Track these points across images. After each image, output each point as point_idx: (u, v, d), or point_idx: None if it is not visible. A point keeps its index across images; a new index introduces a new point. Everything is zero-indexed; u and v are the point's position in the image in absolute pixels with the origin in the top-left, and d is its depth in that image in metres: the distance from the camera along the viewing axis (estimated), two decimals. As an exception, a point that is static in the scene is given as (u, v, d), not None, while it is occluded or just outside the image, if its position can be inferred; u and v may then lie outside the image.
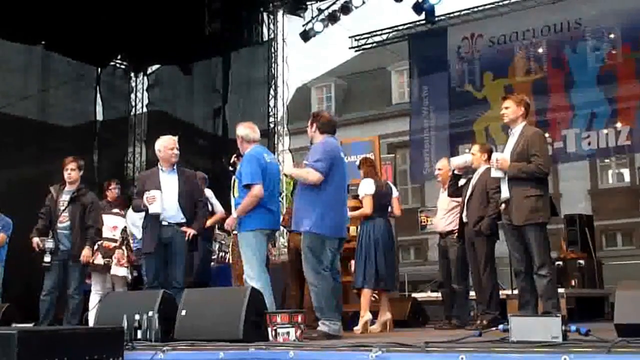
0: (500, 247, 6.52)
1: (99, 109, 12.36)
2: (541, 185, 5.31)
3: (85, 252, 6.62)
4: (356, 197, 7.09)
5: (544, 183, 5.38)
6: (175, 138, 6.24)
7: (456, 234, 6.69)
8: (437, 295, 9.33)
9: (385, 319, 6.49)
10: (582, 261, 9.54)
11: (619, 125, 10.60)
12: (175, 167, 6.18)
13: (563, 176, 16.14)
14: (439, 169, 6.98)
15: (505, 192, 5.38)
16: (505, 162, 5.31)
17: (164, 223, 5.97)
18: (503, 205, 5.46)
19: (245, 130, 5.62)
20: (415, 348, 3.58)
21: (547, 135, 10.36)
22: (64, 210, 6.67)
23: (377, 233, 6.47)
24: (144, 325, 4.64)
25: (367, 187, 6.51)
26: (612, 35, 10.77)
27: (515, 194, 5.27)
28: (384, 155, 9.02)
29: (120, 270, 6.86)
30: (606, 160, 19.36)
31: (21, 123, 10.79)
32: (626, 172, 20.80)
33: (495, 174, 5.45)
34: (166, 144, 6.16)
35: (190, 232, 6.02)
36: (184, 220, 6.05)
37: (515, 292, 8.46)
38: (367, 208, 6.47)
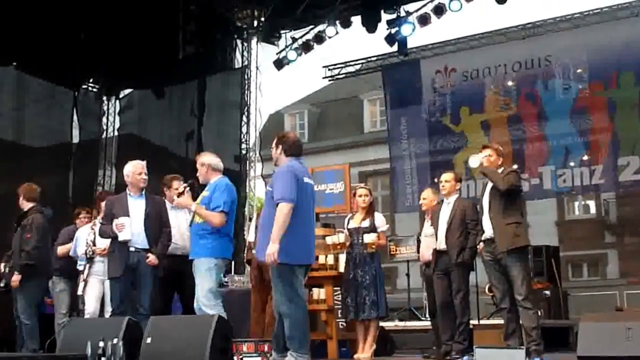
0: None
1: (75, 131, 12.27)
2: (518, 215, 5.90)
3: (14, 278, 6.60)
4: (326, 225, 7.10)
5: (521, 213, 6.02)
6: (144, 163, 6.19)
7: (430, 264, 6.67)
8: (404, 324, 9.36)
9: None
10: (547, 292, 9.62)
11: (588, 159, 10.84)
12: (143, 192, 6.15)
13: (530, 208, 16.38)
14: (424, 199, 6.91)
15: (488, 231, 5.82)
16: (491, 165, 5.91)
17: (131, 249, 5.93)
18: (482, 244, 5.91)
19: (215, 159, 5.65)
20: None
21: (515, 166, 10.48)
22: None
23: None
24: (108, 352, 4.59)
25: (384, 220, 6.76)
26: (579, 70, 11.02)
27: (496, 224, 5.76)
28: (354, 184, 9.04)
29: None
30: (573, 192, 19.70)
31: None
32: (592, 204, 21.16)
33: (472, 163, 6.00)
34: (134, 169, 6.13)
35: (152, 259, 5.95)
36: (148, 246, 6.00)
37: (483, 322, 8.63)
38: (384, 240, 6.93)
